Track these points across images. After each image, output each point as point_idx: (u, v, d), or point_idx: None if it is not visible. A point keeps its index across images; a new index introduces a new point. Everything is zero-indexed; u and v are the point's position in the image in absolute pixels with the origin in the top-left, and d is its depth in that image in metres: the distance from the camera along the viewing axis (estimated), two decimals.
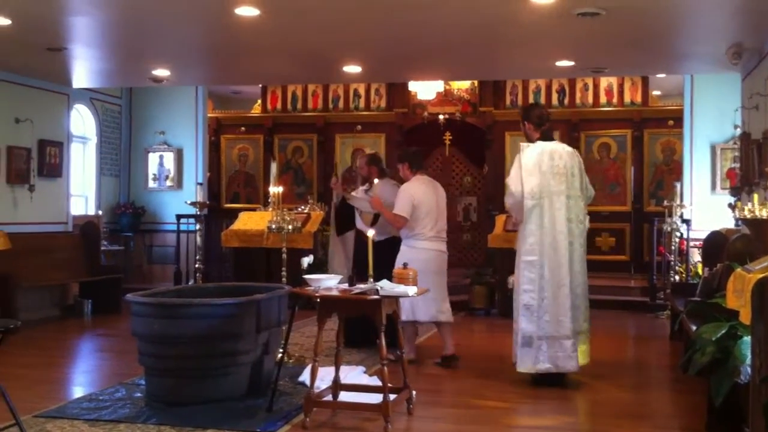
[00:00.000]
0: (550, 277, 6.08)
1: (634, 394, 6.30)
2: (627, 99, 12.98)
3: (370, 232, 5.54)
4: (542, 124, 6.38)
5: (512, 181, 6.21)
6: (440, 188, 7.33)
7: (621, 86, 12.99)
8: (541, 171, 6.14)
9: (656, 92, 13.63)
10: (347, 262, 7.93)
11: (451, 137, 13.80)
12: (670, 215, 10.37)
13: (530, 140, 6.39)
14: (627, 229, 12.83)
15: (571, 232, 6.16)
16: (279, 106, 14.20)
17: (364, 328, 6.08)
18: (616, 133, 12.98)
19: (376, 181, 7.32)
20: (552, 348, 6.09)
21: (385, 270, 6.17)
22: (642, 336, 9.35)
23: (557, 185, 6.15)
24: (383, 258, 7.13)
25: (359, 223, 7.63)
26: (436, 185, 7.31)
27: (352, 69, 9.72)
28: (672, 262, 10.46)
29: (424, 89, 13.23)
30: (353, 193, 7.83)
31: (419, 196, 6.99)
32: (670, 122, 12.60)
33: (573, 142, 12.92)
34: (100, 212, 12.05)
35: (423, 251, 6.93)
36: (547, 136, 6.39)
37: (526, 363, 6.13)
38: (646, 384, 6.82)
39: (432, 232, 7.06)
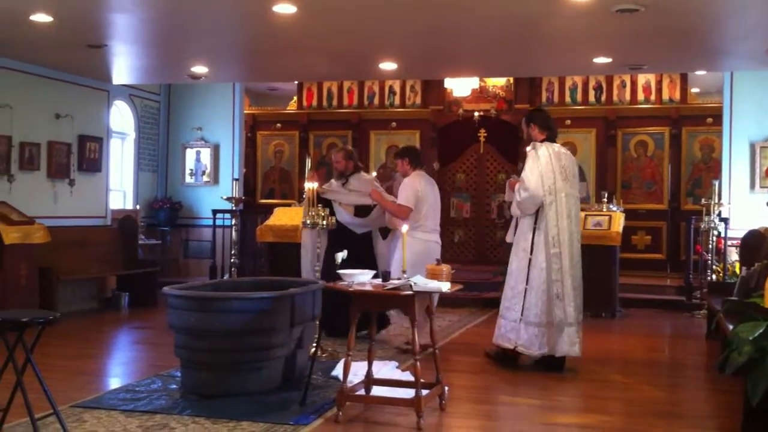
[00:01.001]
0: (568, 268, 6.49)
1: (670, 393, 6.25)
2: (665, 96, 12.83)
3: (404, 228, 5.57)
4: (547, 126, 6.75)
5: (530, 177, 6.50)
6: (436, 186, 7.84)
7: (659, 83, 12.84)
8: (553, 169, 6.52)
9: (695, 89, 13.46)
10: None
11: (485, 134, 13.76)
12: (708, 213, 10.25)
13: (535, 141, 6.74)
14: (663, 227, 12.69)
15: (574, 228, 6.63)
16: (314, 102, 14.27)
17: (346, 316, 6.24)
18: (654, 131, 12.84)
19: (381, 175, 7.44)
20: (562, 334, 6.46)
21: (361, 262, 6.59)
22: (678, 335, 9.26)
23: (563, 184, 6.55)
24: (362, 251, 7.48)
25: (342, 216, 7.74)
26: (433, 182, 7.83)
27: (388, 66, 9.74)
28: (709, 261, 10.34)
29: (460, 86, 13.20)
30: (325, 187, 7.95)
31: (423, 190, 7.48)
32: (709, 120, 12.44)
33: (610, 140, 12.86)
34: (138, 207, 12.22)
35: (425, 242, 7.39)
36: (551, 138, 6.73)
37: (563, 347, 6.48)
38: (681, 383, 6.76)
39: (432, 224, 7.57)
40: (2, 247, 8.32)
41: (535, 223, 6.54)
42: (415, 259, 6.88)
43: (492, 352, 7.02)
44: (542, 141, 6.67)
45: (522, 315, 6.55)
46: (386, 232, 8.01)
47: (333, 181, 8.19)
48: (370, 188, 7.83)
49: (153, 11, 7.24)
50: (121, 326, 9.57)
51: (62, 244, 9.49)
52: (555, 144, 6.69)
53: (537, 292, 6.49)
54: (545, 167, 6.51)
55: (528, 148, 6.80)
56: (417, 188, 7.44)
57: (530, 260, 6.54)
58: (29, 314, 4.82)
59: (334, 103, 14.19)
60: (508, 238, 7.04)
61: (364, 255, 7.55)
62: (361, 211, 7.87)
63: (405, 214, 7.35)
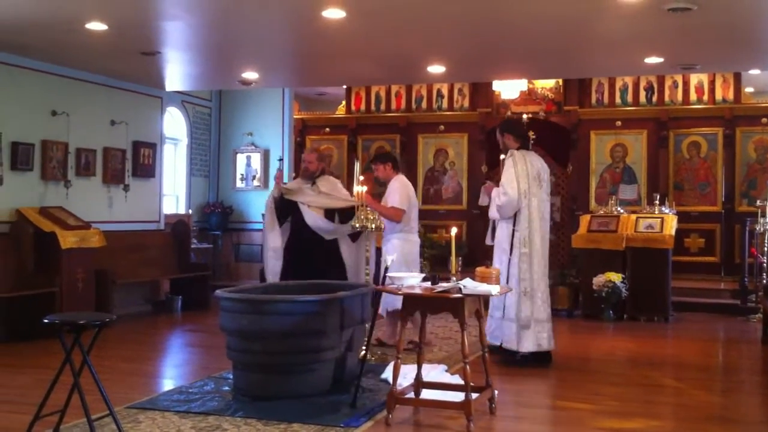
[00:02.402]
0: (537, 267, 6.90)
1: (724, 398, 6.15)
2: (718, 96, 12.61)
3: (453, 230, 5.57)
4: (521, 135, 7.29)
5: (508, 183, 6.96)
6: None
7: (712, 83, 12.62)
8: (528, 175, 7.01)
9: (749, 89, 13.20)
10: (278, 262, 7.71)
11: (534, 136, 13.64)
12: (763, 215, 10.04)
13: (509, 150, 7.23)
14: (717, 229, 12.45)
15: (545, 230, 7.08)
16: (363, 107, 14.33)
17: None
18: (707, 132, 12.62)
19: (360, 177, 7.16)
20: (541, 329, 6.89)
21: (328, 267, 6.84)
22: (732, 339, 9.09)
23: (537, 189, 7.03)
24: (328, 258, 7.45)
25: (314, 221, 7.53)
26: (411, 185, 7.98)
27: (436, 69, 9.74)
28: (764, 264, 10.13)
29: (508, 88, 13.14)
30: (291, 186, 7.76)
31: (412, 193, 7.74)
32: (764, 120, 12.19)
33: (661, 141, 12.68)
34: (190, 211, 12.40)
35: (414, 243, 7.70)
36: (525, 145, 7.25)
37: (527, 345, 6.88)
38: (735, 388, 6.65)
39: (416, 226, 7.84)
40: (60, 251, 8.53)
41: (514, 226, 6.98)
42: (407, 259, 7.39)
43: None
44: (517, 149, 7.14)
45: (504, 313, 6.91)
46: (354, 236, 7.67)
47: (298, 182, 7.93)
48: (339, 191, 7.78)
49: (204, 18, 7.36)
50: (174, 329, 9.73)
51: (117, 249, 9.69)
52: (530, 151, 7.22)
53: (515, 291, 6.78)
54: (521, 174, 7.00)
55: (504, 157, 7.23)
56: (408, 192, 7.67)
57: (509, 261, 6.94)
58: (86, 317, 4.93)
59: (383, 107, 14.24)
60: (488, 241, 7.43)
61: (330, 262, 7.47)
62: (330, 215, 7.62)
63: (399, 217, 7.49)
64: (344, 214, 7.55)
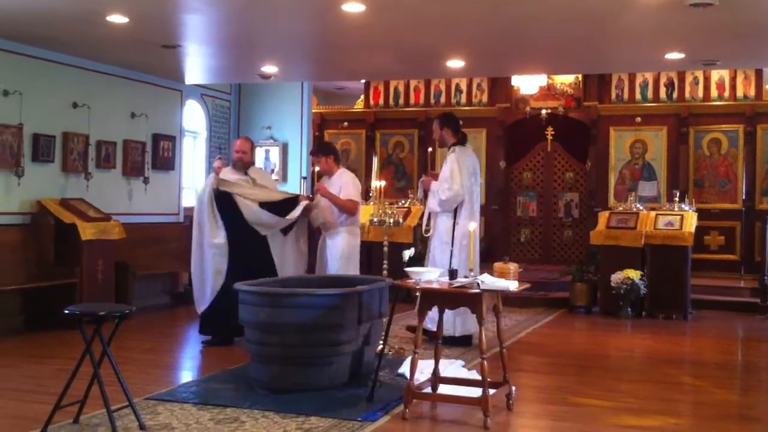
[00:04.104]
0: (475, 258, 6.93)
1: (743, 397, 6.12)
2: (739, 93, 12.51)
3: (472, 226, 5.57)
4: (458, 131, 7.67)
5: (454, 178, 7.30)
6: None
7: (733, 79, 12.52)
8: (467, 169, 7.43)
9: None
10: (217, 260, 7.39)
11: (553, 132, 13.63)
12: None
13: (444, 144, 7.70)
14: (737, 227, 12.37)
15: (477, 222, 7.41)
16: (381, 101, 14.33)
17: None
18: (728, 128, 12.53)
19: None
20: (468, 316, 7.04)
21: (262, 264, 6.89)
22: (751, 338, 9.03)
23: (473, 182, 7.49)
24: (257, 254, 7.30)
25: (256, 216, 7.30)
26: None
27: (456, 64, 9.72)
28: None
29: (527, 84, 13.10)
30: (227, 178, 7.43)
31: (360, 187, 7.70)
32: None
33: (682, 138, 12.60)
34: None
35: (358, 238, 7.62)
36: (462, 141, 7.64)
37: (460, 329, 7.35)
38: (755, 386, 6.61)
39: (359, 220, 7.70)
40: (80, 242, 8.59)
41: (454, 218, 7.33)
42: (352, 253, 7.41)
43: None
44: (454, 144, 7.54)
45: None
46: (286, 230, 7.54)
47: (230, 172, 7.56)
48: (271, 182, 7.73)
49: (224, 11, 7.37)
50: (192, 321, 9.73)
51: (137, 240, 9.75)
52: (465, 147, 7.60)
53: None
54: (464, 169, 7.39)
55: (448, 151, 7.57)
56: (358, 185, 7.65)
57: (452, 252, 7.25)
58: (106, 308, 4.99)
59: (401, 101, 14.24)
60: (425, 233, 7.69)
61: (260, 257, 7.28)
62: (265, 208, 7.40)
63: (356, 210, 7.45)
64: (279, 207, 7.38)
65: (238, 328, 6.78)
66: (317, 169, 7.66)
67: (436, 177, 7.55)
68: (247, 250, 7.31)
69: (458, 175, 7.33)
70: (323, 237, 7.62)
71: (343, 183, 7.48)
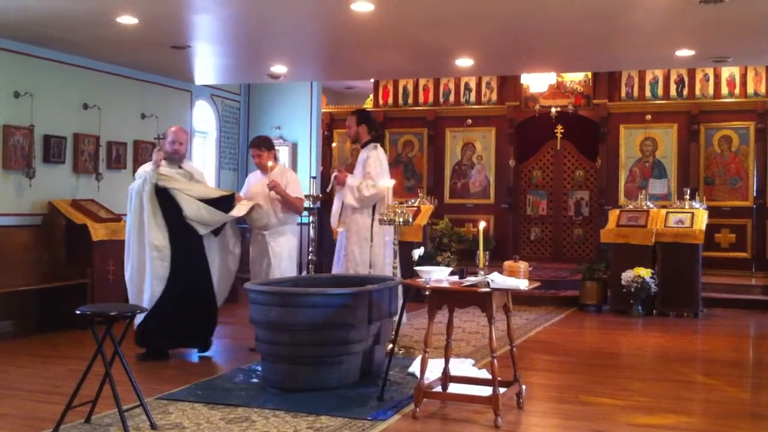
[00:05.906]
0: (389, 252, 7.33)
1: (755, 395, 6.09)
2: (750, 90, 12.45)
3: (482, 224, 5.56)
4: (374, 128, 7.80)
5: (377, 175, 7.42)
6: None
7: (744, 76, 12.47)
8: (385, 168, 7.60)
9: None
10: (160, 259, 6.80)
11: (563, 130, 13.60)
12: None
13: (359, 140, 7.76)
14: (748, 224, 12.32)
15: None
16: (390, 100, 14.34)
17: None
18: (738, 125, 12.47)
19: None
20: None
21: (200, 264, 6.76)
22: (763, 335, 9.00)
23: (389, 179, 7.41)
24: (192, 254, 6.93)
25: (197, 213, 6.84)
26: None
27: (465, 62, 9.71)
28: None
29: (536, 82, 13.08)
30: (165, 172, 6.86)
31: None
32: None
33: (692, 135, 12.55)
34: None
35: (298, 237, 7.68)
36: (377, 138, 7.80)
37: None
38: (767, 384, 6.58)
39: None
40: (91, 243, 8.63)
41: (373, 215, 7.44)
42: (292, 255, 7.39)
43: None
44: (369, 141, 7.65)
45: None
46: (217, 231, 7.13)
47: (164, 165, 6.92)
48: (204, 178, 7.43)
49: (234, 11, 7.39)
50: None
51: None
52: (378, 145, 7.74)
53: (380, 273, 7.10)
54: (384, 166, 7.57)
55: (367, 148, 7.64)
56: (300, 182, 7.61)
57: (371, 248, 7.38)
58: (117, 308, 5.00)
59: (410, 100, 14.23)
60: (333, 225, 7.76)
61: (198, 259, 6.91)
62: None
63: (302, 209, 7.49)
64: (215, 205, 6.96)
65: (175, 340, 6.91)
66: (257, 162, 7.47)
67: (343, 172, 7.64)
68: (187, 251, 6.85)
69: (377, 171, 7.46)
70: (261, 237, 7.35)
71: (289, 180, 7.37)
